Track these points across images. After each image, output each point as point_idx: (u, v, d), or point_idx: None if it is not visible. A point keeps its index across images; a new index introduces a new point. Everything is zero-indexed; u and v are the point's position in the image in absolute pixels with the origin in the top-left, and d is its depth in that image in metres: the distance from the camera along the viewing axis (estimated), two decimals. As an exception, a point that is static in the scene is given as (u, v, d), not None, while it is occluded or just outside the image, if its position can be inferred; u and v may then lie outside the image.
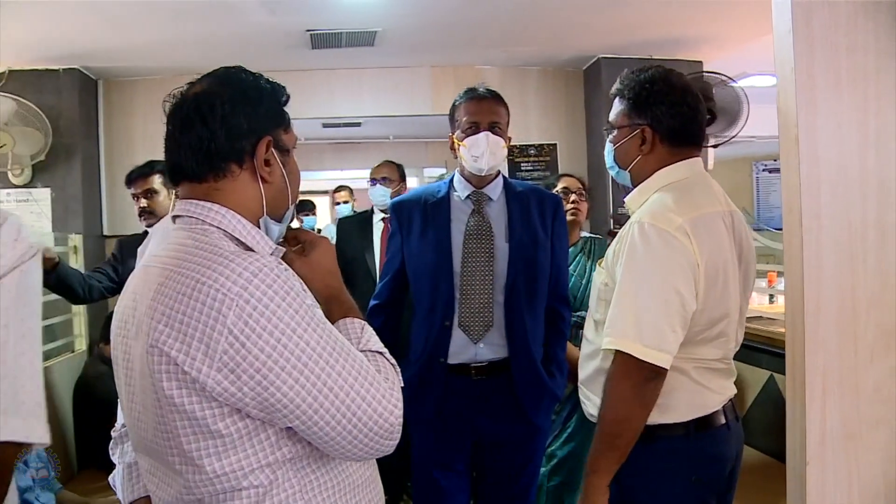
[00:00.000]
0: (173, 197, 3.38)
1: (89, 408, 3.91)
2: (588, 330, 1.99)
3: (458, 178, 2.51)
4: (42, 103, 4.48)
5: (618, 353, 1.71)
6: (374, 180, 4.18)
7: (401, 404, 1.25)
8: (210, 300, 1.13)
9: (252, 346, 1.12)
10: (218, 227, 1.28)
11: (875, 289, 1.87)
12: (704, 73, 4.84)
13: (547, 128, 5.36)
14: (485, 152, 2.37)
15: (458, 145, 2.44)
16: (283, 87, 1.40)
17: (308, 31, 4.19)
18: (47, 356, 3.97)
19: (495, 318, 2.39)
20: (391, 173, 4.19)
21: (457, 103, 2.50)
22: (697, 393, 1.82)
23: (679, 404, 1.80)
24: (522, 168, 5.28)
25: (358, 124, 6.69)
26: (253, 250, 1.27)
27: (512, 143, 5.22)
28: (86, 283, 3.34)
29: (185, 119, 1.30)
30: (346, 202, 5.93)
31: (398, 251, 2.53)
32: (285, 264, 1.23)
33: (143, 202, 3.35)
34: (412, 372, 2.40)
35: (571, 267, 3.11)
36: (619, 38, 4.62)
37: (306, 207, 6.39)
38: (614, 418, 1.74)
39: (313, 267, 1.42)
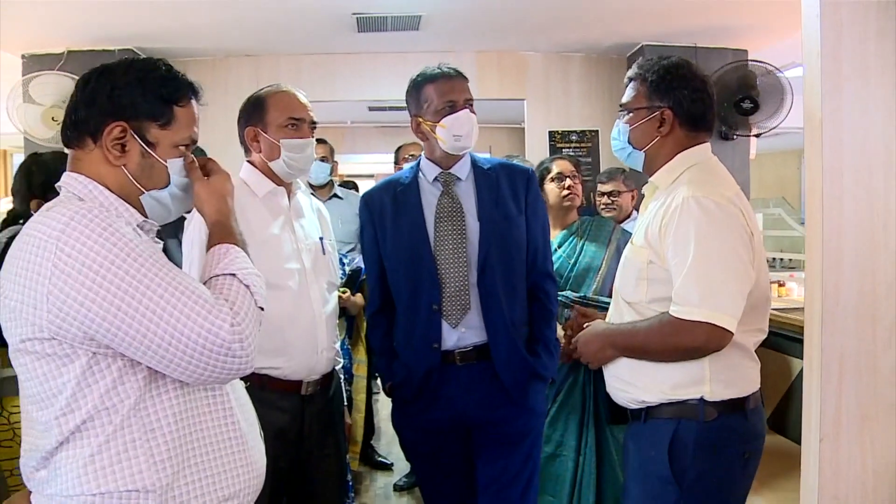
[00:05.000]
0: None
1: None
2: (615, 314, 2.00)
3: (424, 162, 2.43)
4: (99, 82, 4.64)
5: (684, 321, 1.73)
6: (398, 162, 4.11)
7: (233, 320, 1.29)
8: (34, 248, 1.25)
9: (74, 283, 1.22)
10: (82, 198, 1.36)
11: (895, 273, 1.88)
12: (749, 62, 4.80)
13: (589, 114, 5.37)
14: (470, 130, 2.31)
15: (432, 127, 2.33)
16: (191, 85, 1.47)
17: (354, 14, 4.27)
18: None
19: (472, 300, 2.30)
20: (419, 150, 4.03)
21: (419, 83, 2.38)
22: (753, 368, 1.88)
23: (740, 379, 1.85)
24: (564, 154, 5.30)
25: (403, 108, 6.75)
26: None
27: (553, 129, 5.37)
28: None
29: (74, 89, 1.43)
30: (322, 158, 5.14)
31: (374, 245, 2.44)
32: (113, 215, 1.31)
33: None
34: (407, 365, 2.36)
35: (563, 248, 3.07)
36: (663, 25, 4.60)
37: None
38: (646, 351, 1.86)
39: (211, 190, 1.52)
